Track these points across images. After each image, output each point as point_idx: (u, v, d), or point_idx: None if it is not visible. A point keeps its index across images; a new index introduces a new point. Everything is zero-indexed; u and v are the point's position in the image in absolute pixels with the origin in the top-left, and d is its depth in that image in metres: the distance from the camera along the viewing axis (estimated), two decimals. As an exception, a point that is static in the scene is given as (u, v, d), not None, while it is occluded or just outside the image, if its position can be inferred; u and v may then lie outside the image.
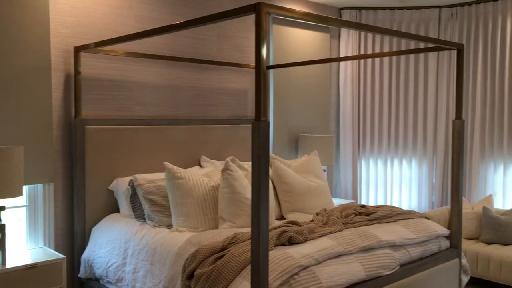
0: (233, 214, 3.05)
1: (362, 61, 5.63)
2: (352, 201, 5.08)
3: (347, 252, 2.60)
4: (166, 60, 3.95)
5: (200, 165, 4.10)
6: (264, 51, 2.04)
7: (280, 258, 2.31)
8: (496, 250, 4.19)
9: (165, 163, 3.18)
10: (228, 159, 3.23)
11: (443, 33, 5.34)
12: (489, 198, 4.78)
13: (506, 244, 4.37)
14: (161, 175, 3.44)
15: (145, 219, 3.27)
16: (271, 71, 4.87)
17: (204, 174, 3.41)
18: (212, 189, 3.21)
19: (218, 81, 4.42)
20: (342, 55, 5.61)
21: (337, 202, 4.85)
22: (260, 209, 2.01)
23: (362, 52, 5.61)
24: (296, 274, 2.30)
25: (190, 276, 2.45)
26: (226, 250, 2.45)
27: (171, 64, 4.07)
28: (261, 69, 2.04)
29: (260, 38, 2.03)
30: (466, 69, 5.24)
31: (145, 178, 3.29)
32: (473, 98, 5.18)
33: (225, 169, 3.14)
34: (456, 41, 5.28)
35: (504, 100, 4.93)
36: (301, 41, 5.13)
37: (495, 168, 5.02)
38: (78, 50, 3.39)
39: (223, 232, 2.79)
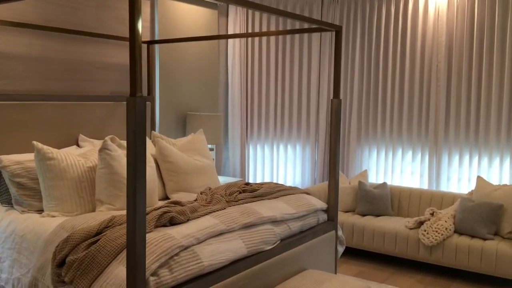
0: (111, 196, 2.90)
1: (249, 40, 5.65)
2: (240, 179, 5.14)
3: (230, 229, 2.60)
4: (36, 29, 3.59)
5: (78, 145, 3.83)
6: (139, 24, 1.92)
7: (160, 240, 2.24)
8: (369, 221, 4.52)
9: (34, 142, 2.91)
10: (107, 138, 3.04)
11: (325, 16, 5.54)
12: (364, 173, 5.12)
13: (378, 215, 4.74)
14: (30, 156, 3.15)
15: (12, 204, 2.98)
16: (157, 47, 4.68)
17: (80, 154, 3.19)
18: (89, 170, 3.02)
19: (97, 55, 4.14)
20: (230, 33, 5.58)
21: (224, 180, 4.87)
22: (136, 189, 1.91)
23: (250, 31, 5.63)
24: (176, 254, 2.24)
25: (61, 264, 2.27)
26: (102, 235, 2.31)
27: (43, 34, 3.71)
28: (136, 43, 1.91)
29: (134, 9, 1.90)
30: (346, 51, 5.50)
31: (11, 159, 2.99)
32: (351, 79, 5.47)
33: (103, 149, 2.96)
34: (337, 23, 5.52)
35: (378, 81, 5.28)
36: (188, 16, 4.99)
37: (370, 146, 5.38)
38: None
39: (100, 216, 2.63)
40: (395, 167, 5.23)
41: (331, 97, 5.64)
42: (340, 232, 3.51)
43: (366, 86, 5.37)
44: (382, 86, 5.26)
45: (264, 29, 5.65)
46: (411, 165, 5.14)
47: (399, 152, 5.20)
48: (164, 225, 2.49)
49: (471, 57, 4.74)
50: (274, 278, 2.76)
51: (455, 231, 4.18)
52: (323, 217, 3.37)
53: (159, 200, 3.51)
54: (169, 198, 3.54)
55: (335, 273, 3.49)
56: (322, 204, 3.36)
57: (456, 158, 4.88)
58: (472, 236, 4.08)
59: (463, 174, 4.85)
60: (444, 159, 4.94)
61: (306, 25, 5.75)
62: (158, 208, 2.60)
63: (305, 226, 3.14)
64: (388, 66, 5.20)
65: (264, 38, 5.67)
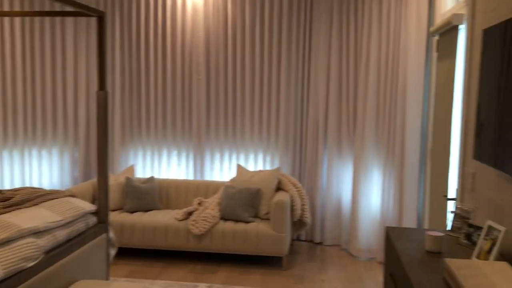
0: None
1: (-14, 20, 4.79)
2: (-18, 185, 4.33)
3: (-22, 250, 2.12)
4: None
5: None
6: None
7: None
8: (139, 218, 4.39)
9: None
10: None
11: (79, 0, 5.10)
12: (131, 169, 4.95)
13: (147, 211, 4.64)
14: None
15: None
16: None
17: None
18: None
19: None
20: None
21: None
22: None
23: (-14, 10, 4.77)
24: None
25: None
26: None
27: None
28: None
29: None
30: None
31: None
32: (112, 69, 5.20)
33: None
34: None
35: (141, 72, 5.15)
36: None
37: (135, 141, 5.22)
38: None
39: None
40: (162, 161, 5.21)
41: (92, 89, 5.24)
42: (111, 234, 3.28)
43: (128, 80, 5.17)
44: (145, 79, 5.15)
45: (6, 8, 4.87)
46: (177, 158, 5.20)
47: (165, 148, 5.20)
48: None
49: (226, 53, 5.03)
50: (39, 298, 2.39)
51: (221, 218, 4.40)
52: (93, 220, 3.08)
53: None
54: None
55: (108, 278, 3.26)
56: (90, 207, 3.06)
57: (217, 152, 5.14)
58: (236, 221, 4.37)
59: (224, 165, 5.14)
60: (207, 154, 5.15)
61: (58, 8, 5.19)
62: None
63: (73, 233, 2.82)
64: (149, 59, 5.11)
65: (6, 21, 4.89)
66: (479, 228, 2.25)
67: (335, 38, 4.75)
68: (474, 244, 2.25)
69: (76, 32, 5.16)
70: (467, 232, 2.31)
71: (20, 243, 2.35)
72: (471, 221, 2.36)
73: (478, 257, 2.02)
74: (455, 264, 1.79)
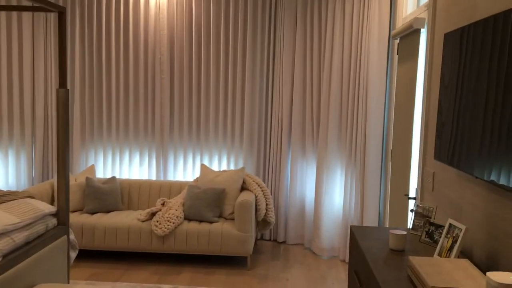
0: None
1: None
2: None
3: None
4: None
5: None
6: None
7: None
8: (100, 219, 4.29)
9: None
10: None
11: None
12: (92, 169, 4.83)
13: (108, 212, 4.54)
14: None
15: None
16: None
17: None
18: None
19: None
20: None
21: None
22: None
23: None
24: None
25: None
26: None
27: None
28: None
29: None
30: (64, 37, 5.03)
31: None
32: (72, 66, 5.05)
33: None
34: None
35: (102, 70, 5.03)
36: None
37: (95, 140, 5.10)
38: None
39: None
40: (123, 162, 5.11)
41: (50, 87, 5.07)
42: (72, 236, 3.19)
43: (88, 77, 5.04)
44: (106, 77, 5.03)
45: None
46: (139, 158, 5.11)
47: (126, 148, 5.10)
48: None
49: (191, 52, 4.99)
50: (-4, 304, 2.29)
51: (185, 218, 4.36)
52: (53, 222, 2.99)
53: None
54: None
55: (68, 282, 3.16)
56: (50, 208, 2.97)
57: (181, 152, 5.08)
58: (201, 221, 4.34)
59: (188, 165, 5.09)
60: (171, 154, 5.08)
61: (14, 2, 5.00)
62: None
63: (32, 235, 2.72)
64: (111, 57, 5.00)
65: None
66: (440, 227, 2.32)
67: (299, 39, 4.79)
68: (435, 242, 2.32)
69: (34, 27, 4.99)
70: (428, 230, 2.38)
71: (-24, 247, 2.25)
72: (432, 220, 2.43)
73: (440, 254, 2.08)
74: (418, 262, 1.84)
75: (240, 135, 5.00)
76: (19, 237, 2.59)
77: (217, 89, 5.00)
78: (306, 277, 4.14)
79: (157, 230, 4.16)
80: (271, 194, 4.89)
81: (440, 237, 2.22)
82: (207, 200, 4.35)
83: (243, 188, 4.62)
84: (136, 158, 5.11)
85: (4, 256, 2.45)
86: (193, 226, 4.22)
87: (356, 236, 2.46)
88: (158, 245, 4.21)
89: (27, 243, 2.68)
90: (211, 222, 4.31)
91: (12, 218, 2.58)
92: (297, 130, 4.87)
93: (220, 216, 4.49)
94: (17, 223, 2.58)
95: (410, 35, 3.47)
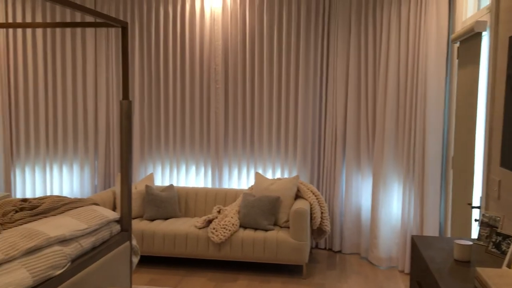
0: None
1: (10, 34, 4.89)
2: (6, 193, 4.39)
3: (9, 258, 2.15)
4: None
5: None
6: None
7: None
8: (159, 226, 4.41)
9: None
10: None
11: (99, 10, 5.18)
12: (151, 177, 4.99)
13: (166, 219, 4.66)
14: None
15: None
16: None
17: None
18: None
19: None
20: (-17, 22, 4.72)
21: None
22: None
23: (11, 21, 4.86)
24: None
25: None
26: None
27: None
28: None
29: None
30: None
31: None
32: (131, 79, 5.25)
33: None
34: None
35: (160, 83, 5.19)
36: None
37: (152, 152, 5.26)
38: None
39: None
40: (180, 171, 5.23)
41: (112, 99, 5.29)
42: (134, 242, 3.30)
43: (147, 90, 5.21)
44: (164, 91, 5.18)
45: (28, 19, 4.96)
46: (195, 168, 5.22)
47: (183, 161, 5.23)
48: None
49: (245, 62, 5.05)
50: (67, 306, 2.41)
51: (240, 226, 4.40)
52: (116, 228, 3.11)
53: None
54: None
55: (130, 286, 3.27)
56: (114, 215, 3.09)
57: (235, 163, 5.15)
58: (256, 229, 4.37)
59: (242, 175, 5.14)
60: (225, 164, 5.16)
61: (79, 19, 5.28)
62: None
63: (98, 241, 2.84)
64: (168, 69, 5.15)
65: (28, 33, 4.98)
66: (508, 237, 2.22)
67: (353, 47, 4.74)
68: (503, 253, 2.22)
69: (96, 42, 5.23)
70: (495, 240, 2.28)
71: (48, 251, 2.38)
72: (499, 230, 2.33)
73: (508, 266, 1.99)
74: (486, 273, 1.77)
75: (294, 144, 5.00)
76: (86, 243, 2.71)
77: (270, 98, 5.03)
78: (363, 287, 4.06)
79: (214, 237, 4.22)
80: (325, 203, 4.85)
81: (508, 247, 2.12)
82: (262, 208, 4.37)
83: (298, 196, 4.61)
84: (192, 169, 5.22)
85: (73, 260, 2.57)
86: (249, 233, 4.26)
87: (418, 246, 2.39)
88: (214, 252, 4.27)
89: (93, 248, 2.81)
90: (266, 230, 4.33)
91: (80, 224, 2.71)
92: (352, 139, 4.81)
93: (275, 224, 4.50)
94: (84, 229, 2.71)
95: (471, 38, 3.36)
